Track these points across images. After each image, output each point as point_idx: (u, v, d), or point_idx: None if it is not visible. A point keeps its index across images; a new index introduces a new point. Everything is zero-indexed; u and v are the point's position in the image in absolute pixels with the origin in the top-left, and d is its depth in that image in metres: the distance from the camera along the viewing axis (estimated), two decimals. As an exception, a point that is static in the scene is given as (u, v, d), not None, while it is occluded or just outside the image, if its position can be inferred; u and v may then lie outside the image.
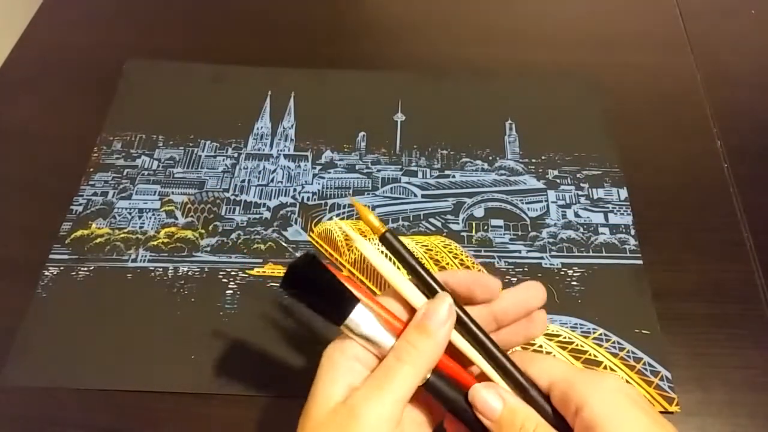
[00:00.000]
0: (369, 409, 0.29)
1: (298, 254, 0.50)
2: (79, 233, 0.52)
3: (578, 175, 0.56)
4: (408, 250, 0.33)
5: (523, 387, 0.32)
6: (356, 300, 0.31)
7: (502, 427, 0.31)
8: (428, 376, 0.31)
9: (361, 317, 0.31)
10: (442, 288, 0.33)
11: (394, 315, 0.32)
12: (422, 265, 0.33)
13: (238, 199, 0.54)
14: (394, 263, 0.33)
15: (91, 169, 0.56)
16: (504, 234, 0.52)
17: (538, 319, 0.35)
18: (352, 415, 0.28)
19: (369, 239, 0.51)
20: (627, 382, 0.42)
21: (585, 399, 0.29)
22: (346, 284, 0.32)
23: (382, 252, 0.33)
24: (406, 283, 0.33)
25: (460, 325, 0.33)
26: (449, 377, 0.33)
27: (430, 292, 0.33)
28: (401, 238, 0.51)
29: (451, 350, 0.33)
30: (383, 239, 0.33)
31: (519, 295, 0.35)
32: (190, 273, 0.49)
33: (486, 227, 0.52)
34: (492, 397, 0.31)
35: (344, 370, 0.31)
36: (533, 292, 0.35)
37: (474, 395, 0.31)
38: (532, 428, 0.30)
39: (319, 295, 0.31)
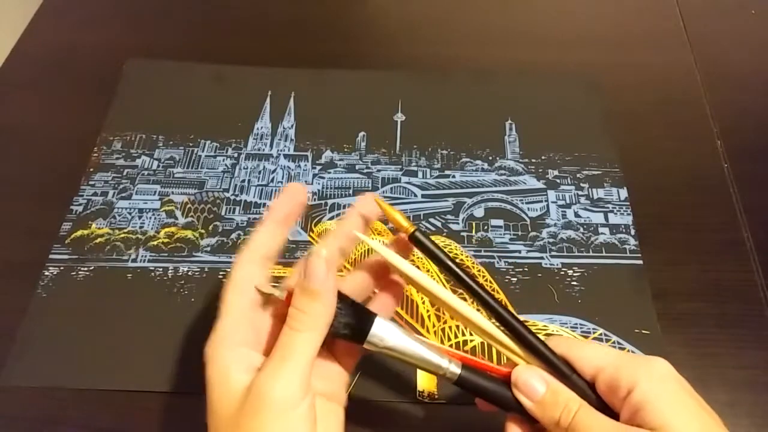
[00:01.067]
0: (276, 386, 0.28)
1: (298, 255, 0.50)
2: (79, 233, 0.52)
3: (578, 175, 0.56)
4: (439, 247, 0.34)
5: (564, 374, 0.32)
6: (373, 315, 0.32)
7: (546, 407, 0.31)
8: (456, 371, 0.32)
9: (382, 331, 0.31)
10: (478, 284, 0.33)
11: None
12: (454, 261, 0.34)
13: (238, 199, 0.54)
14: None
15: (91, 169, 0.56)
16: (504, 234, 0.52)
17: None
18: (261, 397, 0.28)
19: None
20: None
21: (635, 382, 0.30)
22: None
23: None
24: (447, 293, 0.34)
25: (498, 319, 0.33)
26: (479, 369, 0.33)
27: (466, 288, 0.33)
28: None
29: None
30: (413, 238, 0.33)
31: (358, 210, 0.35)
32: (190, 273, 0.49)
33: (486, 227, 0.52)
34: (535, 379, 0.32)
35: (235, 358, 0.30)
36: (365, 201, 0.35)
37: (517, 377, 0.32)
38: (575, 409, 0.31)
39: (337, 318, 0.31)
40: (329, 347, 0.33)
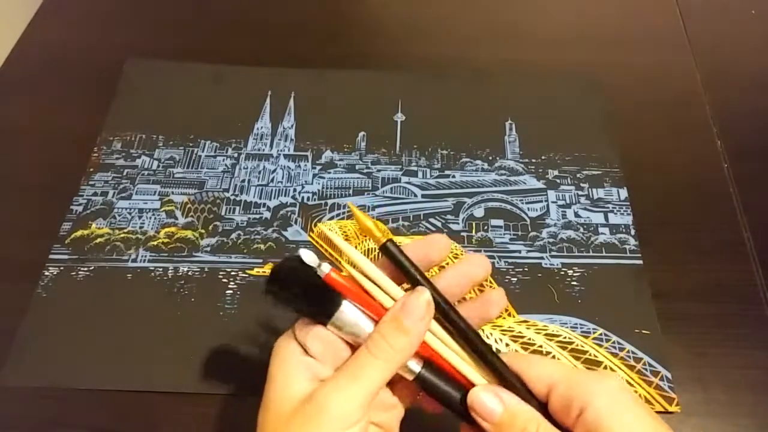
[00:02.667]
0: (338, 401, 0.28)
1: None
2: (79, 233, 0.52)
3: (578, 175, 0.56)
4: (409, 260, 0.32)
5: (517, 389, 0.32)
6: (341, 297, 0.31)
7: (503, 430, 0.30)
8: (416, 368, 0.31)
9: (348, 314, 0.30)
10: (445, 301, 0.32)
11: (383, 307, 0.31)
12: (424, 276, 0.32)
13: (238, 199, 0.54)
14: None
15: (91, 169, 0.56)
16: (504, 234, 0.52)
17: (494, 298, 0.34)
18: (319, 407, 0.28)
19: (368, 240, 0.51)
20: (627, 382, 0.42)
21: (588, 399, 0.29)
22: (337, 279, 0.31)
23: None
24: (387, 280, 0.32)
25: (449, 324, 0.32)
26: (441, 368, 0.32)
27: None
28: (401, 238, 0.51)
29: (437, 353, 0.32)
30: (384, 249, 0.32)
31: (461, 268, 0.34)
32: (190, 273, 0.49)
33: (486, 227, 0.52)
34: (491, 400, 0.31)
35: (297, 365, 0.30)
36: (476, 262, 0.34)
37: (472, 399, 0.31)
38: (534, 430, 0.30)
39: (302, 296, 0.30)
40: (389, 382, 0.32)
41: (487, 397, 0.31)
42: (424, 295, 0.30)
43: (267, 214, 0.53)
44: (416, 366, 0.31)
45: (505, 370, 0.32)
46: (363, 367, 0.29)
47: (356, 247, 0.51)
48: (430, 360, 0.32)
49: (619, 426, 0.28)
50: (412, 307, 0.30)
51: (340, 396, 0.29)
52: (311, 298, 0.31)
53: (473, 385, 0.32)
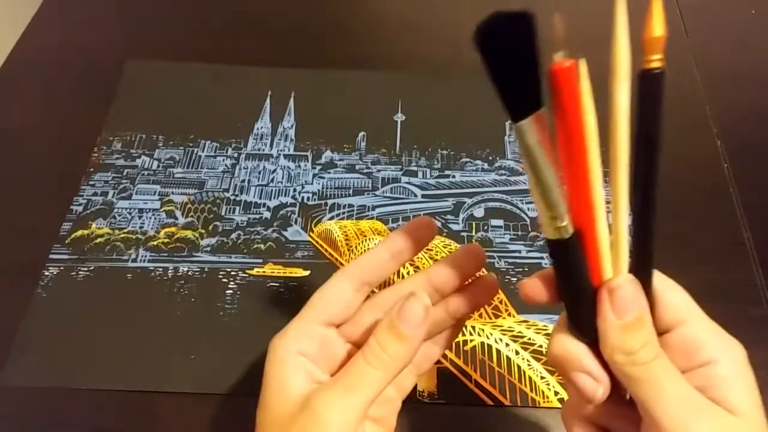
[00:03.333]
0: (334, 414, 0.28)
1: (298, 255, 0.50)
2: (79, 233, 0.52)
3: (578, 175, 0.56)
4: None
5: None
6: (539, 105, 0.25)
7: (629, 332, 0.27)
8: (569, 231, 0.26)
9: (530, 136, 0.25)
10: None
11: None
12: None
13: (238, 199, 0.54)
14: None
15: (91, 169, 0.56)
16: (504, 234, 0.52)
17: (486, 283, 0.33)
18: (316, 418, 0.28)
19: (368, 239, 0.51)
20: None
21: (718, 356, 0.28)
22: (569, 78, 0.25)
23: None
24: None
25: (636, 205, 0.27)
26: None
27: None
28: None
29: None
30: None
31: (457, 262, 0.33)
32: (190, 273, 0.49)
33: (486, 227, 0.52)
34: (639, 300, 0.28)
35: (293, 365, 0.30)
36: (472, 255, 0.33)
37: (619, 286, 0.28)
38: (653, 354, 0.27)
39: (512, 71, 0.25)
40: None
41: (637, 295, 0.28)
42: (421, 299, 0.29)
43: (267, 214, 0.53)
44: (571, 228, 0.27)
45: (650, 277, 0.29)
46: (360, 376, 0.29)
47: (356, 247, 0.51)
48: (581, 231, 0.27)
49: (746, 394, 0.27)
50: (410, 313, 0.29)
51: (336, 407, 0.28)
52: (518, 78, 0.25)
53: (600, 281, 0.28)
